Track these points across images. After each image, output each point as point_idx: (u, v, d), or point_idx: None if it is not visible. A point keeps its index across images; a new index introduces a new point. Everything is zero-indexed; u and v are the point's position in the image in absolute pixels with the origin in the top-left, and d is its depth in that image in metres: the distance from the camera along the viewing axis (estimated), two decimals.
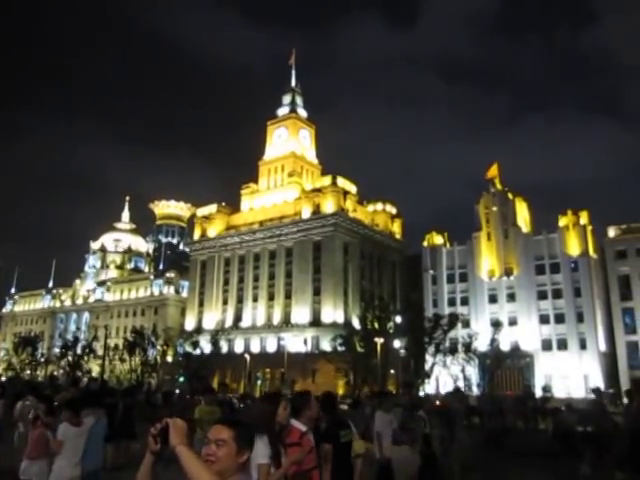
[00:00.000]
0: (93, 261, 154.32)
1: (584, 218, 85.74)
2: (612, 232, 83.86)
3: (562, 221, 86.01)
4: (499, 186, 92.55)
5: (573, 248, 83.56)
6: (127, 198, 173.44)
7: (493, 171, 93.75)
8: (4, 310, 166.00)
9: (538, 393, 60.39)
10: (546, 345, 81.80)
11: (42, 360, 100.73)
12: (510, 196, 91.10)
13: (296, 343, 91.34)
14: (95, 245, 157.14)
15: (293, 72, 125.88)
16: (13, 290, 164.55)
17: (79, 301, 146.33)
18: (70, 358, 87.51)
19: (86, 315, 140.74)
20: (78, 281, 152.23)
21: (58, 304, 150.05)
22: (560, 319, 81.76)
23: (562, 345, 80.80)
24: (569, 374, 77.19)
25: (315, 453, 5.51)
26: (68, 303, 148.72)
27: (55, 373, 76.89)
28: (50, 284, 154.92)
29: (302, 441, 5.27)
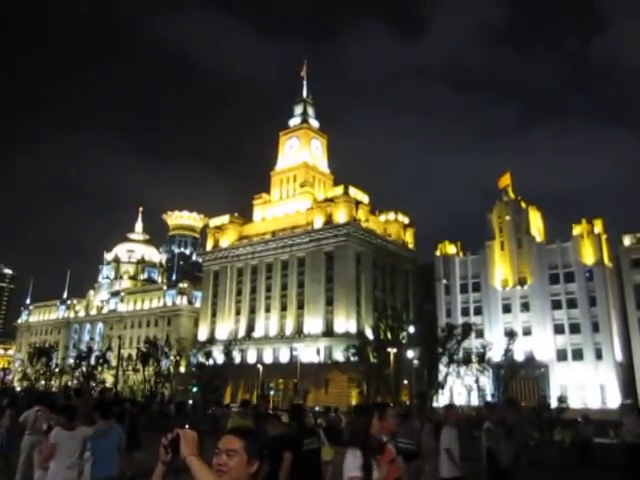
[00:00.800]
0: (107, 272, 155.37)
1: (598, 226, 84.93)
2: (627, 240, 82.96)
3: (576, 230, 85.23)
4: (512, 195, 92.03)
5: (588, 257, 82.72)
6: (140, 209, 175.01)
7: (506, 180, 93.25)
8: (19, 321, 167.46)
9: (553, 404, 59.59)
10: (561, 355, 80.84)
11: (56, 370, 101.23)
12: (523, 205, 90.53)
13: (309, 353, 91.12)
14: (109, 256, 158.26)
15: (305, 83, 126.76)
16: (28, 301, 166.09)
17: (93, 311, 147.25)
18: (84, 368, 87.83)
19: (100, 325, 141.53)
20: (92, 292, 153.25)
21: (72, 314, 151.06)
22: (575, 329, 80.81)
23: (577, 355, 79.81)
24: (585, 384, 76.15)
25: (396, 463, 5.53)
26: (82, 313, 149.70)
27: (69, 384, 77.26)
28: (64, 295, 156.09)
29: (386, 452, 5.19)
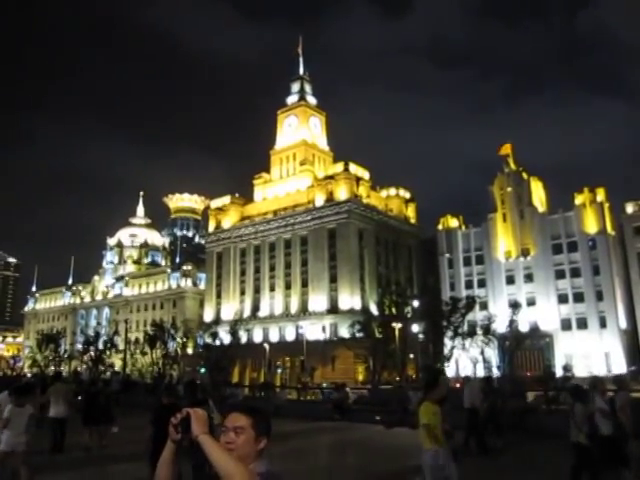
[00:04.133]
0: (110, 257, 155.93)
1: (601, 195, 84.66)
2: (630, 208, 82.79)
3: (578, 199, 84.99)
4: (513, 166, 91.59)
5: (590, 226, 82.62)
6: (141, 193, 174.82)
7: (506, 149, 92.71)
8: (26, 308, 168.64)
9: (559, 373, 60.00)
10: (565, 325, 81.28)
11: (65, 356, 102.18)
12: (525, 176, 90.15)
13: (314, 331, 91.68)
14: (112, 241, 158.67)
15: (301, 60, 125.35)
16: (34, 288, 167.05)
17: (98, 297, 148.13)
18: (92, 353, 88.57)
19: (106, 310, 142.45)
20: (97, 277, 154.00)
21: (78, 300, 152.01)
22: (579, 298, 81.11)
23: (582, 324, 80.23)
24: (590, 353, 76.67)
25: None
26: (88, 299, 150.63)
27: (79, 369, 78.01)
28: (69, 281, 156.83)
29: None
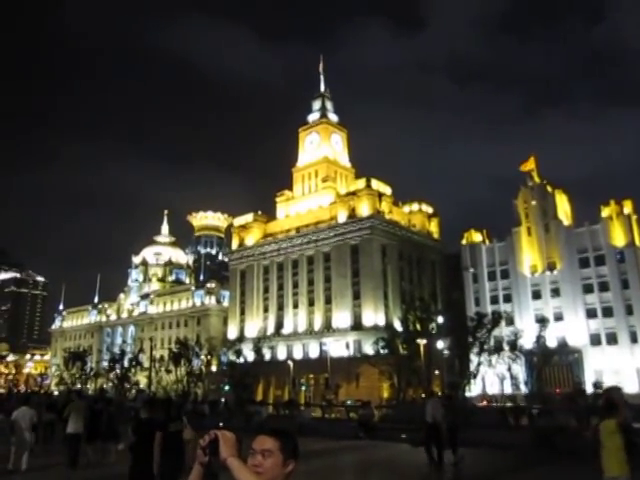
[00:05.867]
0: (136, 275, 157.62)
1: (628, 207, 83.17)
2: None
3: (605, 212, 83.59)
4: (537, 179, 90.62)
5: (618, 239, 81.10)
6: (166, 212, 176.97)
7: (530, 164, 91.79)
8: (53, 327, 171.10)
9: (589, 389, 58.65)
10: (595, 340, 79.52)
11: (91, 374, 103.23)
12: (549, 189, 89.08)
13: (338, 348, 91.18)
14: (137, 259, 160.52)
15: (322, 78, 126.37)
16: (61, 307, 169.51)
17: (124, 315, 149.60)
18: (118, 371, 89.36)
19: (131, 328, 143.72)
20: (122, 295, 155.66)
21: (104, 318, 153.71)
22: (608, 312, 79.37)
23: (612, 339, 78.42)
24: (621, 369, 74.75)
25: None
26: (114, 317, 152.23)
27: (104, 386, 78.63)
28: (96, 299, 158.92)
29: None
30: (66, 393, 22.57)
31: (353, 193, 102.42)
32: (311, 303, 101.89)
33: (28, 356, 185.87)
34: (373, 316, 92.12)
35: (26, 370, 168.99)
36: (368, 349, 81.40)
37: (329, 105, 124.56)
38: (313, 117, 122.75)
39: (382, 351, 70.55)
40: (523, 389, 62.75)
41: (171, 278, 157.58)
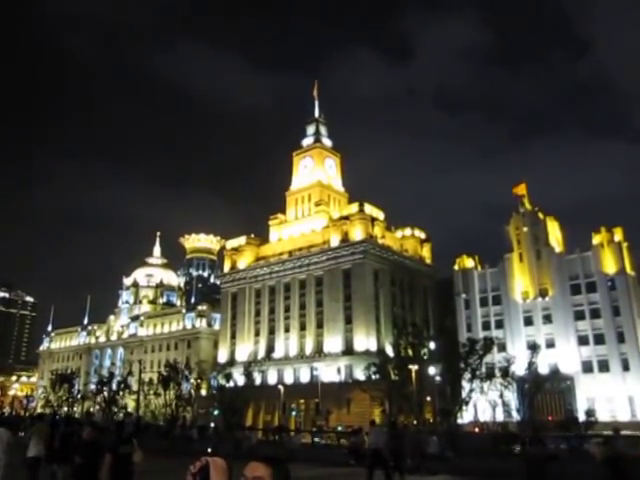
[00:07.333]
0: (126, 297, 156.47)
1: (619, 235, 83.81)
2: None
3: (596, 239, 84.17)
4: (528, 206, 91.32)
5: (609, 266, 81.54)
6: (158, 234, 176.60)
7: (521, 190, 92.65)
8: (41, 348, 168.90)
9: (581, 417, 58.38)
10: (587, 367, 79.33)
11: (79, 396, 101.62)
12: (541, 216, 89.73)
13: (329, 373, 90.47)
14: (128, 281, 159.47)
15: (316, 103, 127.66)
16: (49, 328, 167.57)
17: (113, 337, 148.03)
18: (106, 394, 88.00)
19: (120, 350, 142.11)
20: (112, 317, 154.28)
21: (93, 340, 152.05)
22: (600, 340, 79.37)
23: (604, 367, 78.26)
24: (613, 396, 74.54)
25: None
26: (103, 339, 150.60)
27: (91, 409, 77.43)
28: (85, 321, 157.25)
29: None
30: (33, 418, 22.15)
31: (346, 217, 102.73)
32: (303, 327, 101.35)
33: (14, 377, 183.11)
34: (365, 341, 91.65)
35: (11, 392, 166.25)
36: (359, 374, 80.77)
37: (323, 130, 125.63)
38: (307, 142, 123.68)
39: (373, 376, 69.96)
40: (515, 416, 62.20)
41: (162, 300, 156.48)
